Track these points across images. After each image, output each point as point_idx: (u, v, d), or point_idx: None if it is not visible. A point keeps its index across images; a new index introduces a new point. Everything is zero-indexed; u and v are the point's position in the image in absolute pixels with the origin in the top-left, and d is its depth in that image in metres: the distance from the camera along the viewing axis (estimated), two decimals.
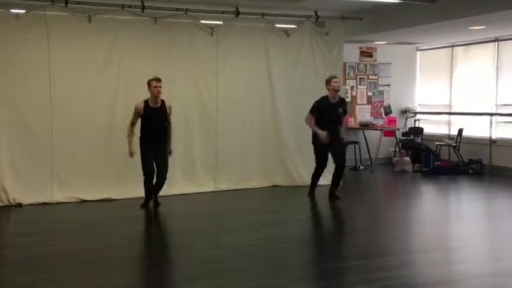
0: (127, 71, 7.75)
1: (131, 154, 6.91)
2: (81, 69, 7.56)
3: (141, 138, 6.92)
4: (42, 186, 7.35)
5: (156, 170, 6.91)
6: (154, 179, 6.96)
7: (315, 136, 7.50)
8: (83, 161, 7.56)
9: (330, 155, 7.56)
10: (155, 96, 6.80)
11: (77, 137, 7.55)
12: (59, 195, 7.40)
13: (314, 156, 7.63)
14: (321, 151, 7.54)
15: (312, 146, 7.63)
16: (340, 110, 7.55)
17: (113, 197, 7.51)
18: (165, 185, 7.67)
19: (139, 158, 6.91)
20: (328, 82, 7.54)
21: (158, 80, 6.81)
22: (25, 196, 7.24)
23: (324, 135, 7.35)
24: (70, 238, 5.75)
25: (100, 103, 7.68)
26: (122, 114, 7.54)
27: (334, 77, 7.63)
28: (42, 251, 5.22)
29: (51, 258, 5.01)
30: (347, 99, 9.18)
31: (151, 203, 7.06)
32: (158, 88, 6.78)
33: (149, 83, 6.80)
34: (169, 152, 7.04)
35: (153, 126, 6.84)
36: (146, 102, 6.84)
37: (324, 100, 7.51)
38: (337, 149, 7.55)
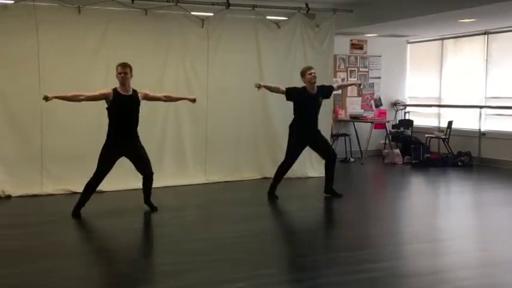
0: (117, 62, 7.66)
1: (45, 97, 5.94)
2: (70, 61, 7.52)
3: (108, 138, 6.13)
4: (31, 178, 7.32)
5: (139, 171, 6.36)
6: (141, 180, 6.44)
7: (293, 130, 7.09)
8: (73, 152, 7.53)
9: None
10: (121, 83, 6.08)
11: (66, 128, 7.51)
12: (48, 187, 7.38)
13: (287, 151, 7.15)
14: (297, 148, 7.12)
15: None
16: (320, 99, 7.15)
17: (103, 189, 7.48)
18: (155, 177, 7.67)
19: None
20: (302, 74, 7.10)
21: (123, 65, 6.09)
22: (14, 188, 7.21)
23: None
24: (59, 230, 5.75)
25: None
26: None
27: (310, 69, 7.11)
28: (30, 243, 5.22)
29: (38, 250, 5.00)
30: (337, 91, 9.12)
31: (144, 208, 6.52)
32: (123, 75, 6.04)
33: (116, 69, 6.13)
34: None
35: (125, 118, 6.10)
36: (115, 89, 6.08)
37: (303, 90, 7.08)
38: (323, 142, 7.28)
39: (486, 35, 10.56)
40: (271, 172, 8.72)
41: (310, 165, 9.01)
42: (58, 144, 7.45)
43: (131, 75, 6.17)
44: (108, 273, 4.43)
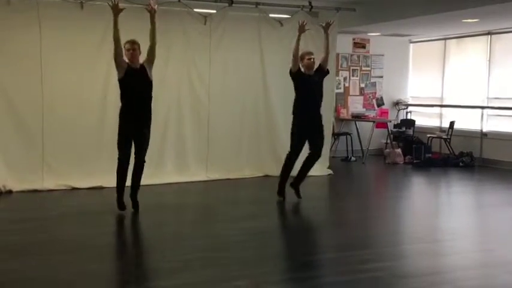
0: None
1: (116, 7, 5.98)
2: (73, 56, 7.51)
3: (120, 113, 6.17)
4: (32, 173, 7.31)
5: (135, 154, 6.22)
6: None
7: (294, 122, 6.91)
8: (74, 148, 7.53)
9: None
10: (130, 60, 6.08)
11: (68, 124, 7.51)
12: (49, 182, 7.37)
13: (291, 142, 6.93)
14: (301, 139, 6.89)
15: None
16: (317, 78, 6.89)
17: (104, 185, 7.49)
18: (156, 174, 7.69)
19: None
20: (301, 58, 6.86)
21: (132, 42, 6.08)
22: (15, 183, 7.21)
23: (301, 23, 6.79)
24: (60, 225, 5.75)
25: (92, 90, 7.65)
26: (114, 101, 7.48)
27: (309, 54, 6.91)
28: (30, 238, 5.21)
29: (39, 245, 5.00)
30: (339, 90, 9.03)
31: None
32: (131, 52, 6.03)
33: (124, 46, 6.08)
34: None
35: (134, 94, 6.08)
36: (127, 64, 6.12)
37: (300, 72, 6.87)
38: (319, 139, 7.00)
39: (489, 36, 10.53)
40: (272, 170, 8.73)
41: None
42: (59, 139, 7.45)
43: (140, 52, 6.14)
44: (106, 269, 4.43)
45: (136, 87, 6.11)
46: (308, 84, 6.87)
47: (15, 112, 7.32)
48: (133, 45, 6.09)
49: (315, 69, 6.93)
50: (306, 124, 6.86)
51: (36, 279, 4.15)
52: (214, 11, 8.35)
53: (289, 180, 7.05)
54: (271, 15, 8.73)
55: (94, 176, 7.52)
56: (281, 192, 7.00)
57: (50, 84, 7.40)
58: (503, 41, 10.37)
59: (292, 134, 6.94)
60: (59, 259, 4.62)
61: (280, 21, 8.79)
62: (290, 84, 8.78)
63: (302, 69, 6.90)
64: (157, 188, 7.45)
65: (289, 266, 4.57)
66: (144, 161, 6.25)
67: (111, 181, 7.44)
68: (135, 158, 6.21)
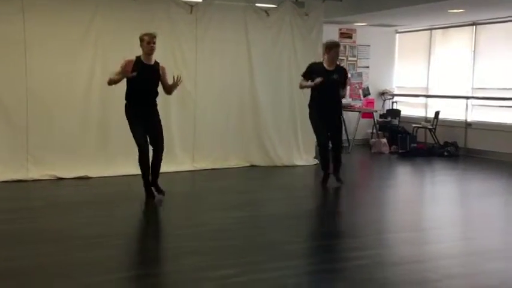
0: (104, 48, 7.64)
1: (126, 71, 5.93)
2: (57, 46, 7.43)
3: (127, 104, 6.13)
4: (17, 163, 7.25)
5: (151, 144, 6.20)
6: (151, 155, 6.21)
7: (311, 107, 7.00)
8: (59, 138, 7.47)
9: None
10: (148, 53, 6.04)
11: (53, 113, 7.45)
12: (34, 172, 7.32)
13: (314, 134, 7.06)
14: (319, 123, 6.93)
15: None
16: (335, 76, 6.90)
17: (90, 175, 7.47)
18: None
19: (129, 131, 6.16)
20: (328, 49, 6.91)
21: (152, 35, 6.01)
22: (0, 173, 7.16)
23: (319, 79, 6.68)
24: (45, 215, 5.73)
25: (77, 80, 7.58)
26: (98, 91, 7.48)
27: (336, 46, 6.97)
28: (16, 228, 5.19)
29: (26, 235, 4.98)
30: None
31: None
32: (152, 45, 5.99)
33: (141, 39, 6.03)
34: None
35: (144, 88, 6.07)
36: (138, 58, 6.05)
37: (318, 65, 6.98)
38: (336, 129, 7.09)
39: (474, 26, 10.60)
40: (258, 160, 8.78)
41: (297, 154, 9.04)
42: (44, 129, 7.39)
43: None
44: (93, 258, 4.42)
45: (146, 84, 6.06)
46: (320, 74, 6.84)
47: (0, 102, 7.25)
48: (154, 38, 6.02)
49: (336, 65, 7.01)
50: (324, 114, 6.95)
51: (21, 269, 4.14)
52: (200, 0, 8.31)
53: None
54: (257, 4, 8.71)
55: (79, 166, 7.48)
56: (324, 180, 7.20)
57: (34, 75, 7.32)
58: (488, 31, 10.44)
59: (313, 127, 7.05)
60: (45, 249, 4.61)
61: (266, 11, 8.77)
62: (276, 74, 8.79)
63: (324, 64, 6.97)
64: None
65: (276, 255, 4.60)
66: (163, 149, 6.27)
67: (97, 171, 7.46)
68: (154, 151, 6.19)
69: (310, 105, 7.14)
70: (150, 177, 6.24)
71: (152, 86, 6.15)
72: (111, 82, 6.02)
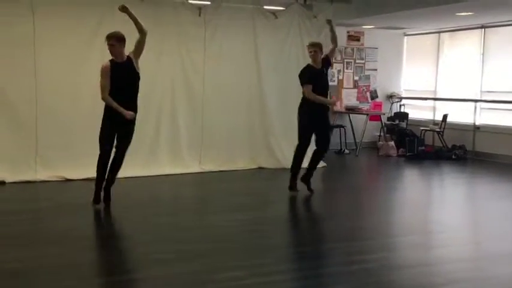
0: None
1: (129, 115, 5.91)
2: (66, 48, 7.45)
3: (106, 107, 6.00)
4: (25, 164, 7.29)
5: (116, 147, 6.03)
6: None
7: (304, 110, 6.86)
8: (67, 139, 7.50)
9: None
10: (111, 54, 5.92)
11: (62, 114, 7.48)
12: (42, 173, 7.35)
13: (300, 132, 6.93)
14: (308, 131, 6.90)
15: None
16: (325, 71, 6.90)
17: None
18: (150, 165, 7.69)
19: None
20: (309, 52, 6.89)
21: (108, 37, 5.88)
22: (8, 174, 7.19)
23: (334, 100, 7.07)
24: (53, 217, 5.75)
25: (86, 81, 7.57)
26: None
27: (309, 46, 6.89)
28: (24, 229, 5.22)
29: (32, 236, 5.01)
30: (333, 83, 9.02)
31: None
32: (110, 47, 5.86)
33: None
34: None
35: (124, 85, 5.92)
36: (112, 60, 5.95)
37: (310, 68, 6.89)
38: (326, 131, 7.05)
39: (483, 29, 10.56)
40: (266, 162, 8.77)
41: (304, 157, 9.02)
42: (52, 131, 7.42)
43: (121, 46, 5.93)
44: (98, 260, 4.44)
45: (123, 82, 5.95)
46: (317, 77, 6.81)
47: (8, 103, 7.27)
48: (110, 40, 5.90)
49: (320, 60, 6.87)
50: (316, 118, 6.83)
51: (28, 270, 4.17)
52: (209, 3, 8.33)
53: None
54: (265, 7, 8.72)
55: (88, 167, 7.46)
56: (293, 187, 6.97)
57: (43, 77, 7.36)
58: (497, 34, 10.40)
59: (301, 126, 6.89)
60: (52, 250, 4.63)
61: (274, 14, 8.78)
62: (284, 76, 8.78)
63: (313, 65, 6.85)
64: (151, 180, 7.46)
65: (282, 257, 4.60)
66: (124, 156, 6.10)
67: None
68: (117, 152, 6.04)
69: (300, 108, 6.93)
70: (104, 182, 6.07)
71: (131, 80, 5.99)
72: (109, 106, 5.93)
